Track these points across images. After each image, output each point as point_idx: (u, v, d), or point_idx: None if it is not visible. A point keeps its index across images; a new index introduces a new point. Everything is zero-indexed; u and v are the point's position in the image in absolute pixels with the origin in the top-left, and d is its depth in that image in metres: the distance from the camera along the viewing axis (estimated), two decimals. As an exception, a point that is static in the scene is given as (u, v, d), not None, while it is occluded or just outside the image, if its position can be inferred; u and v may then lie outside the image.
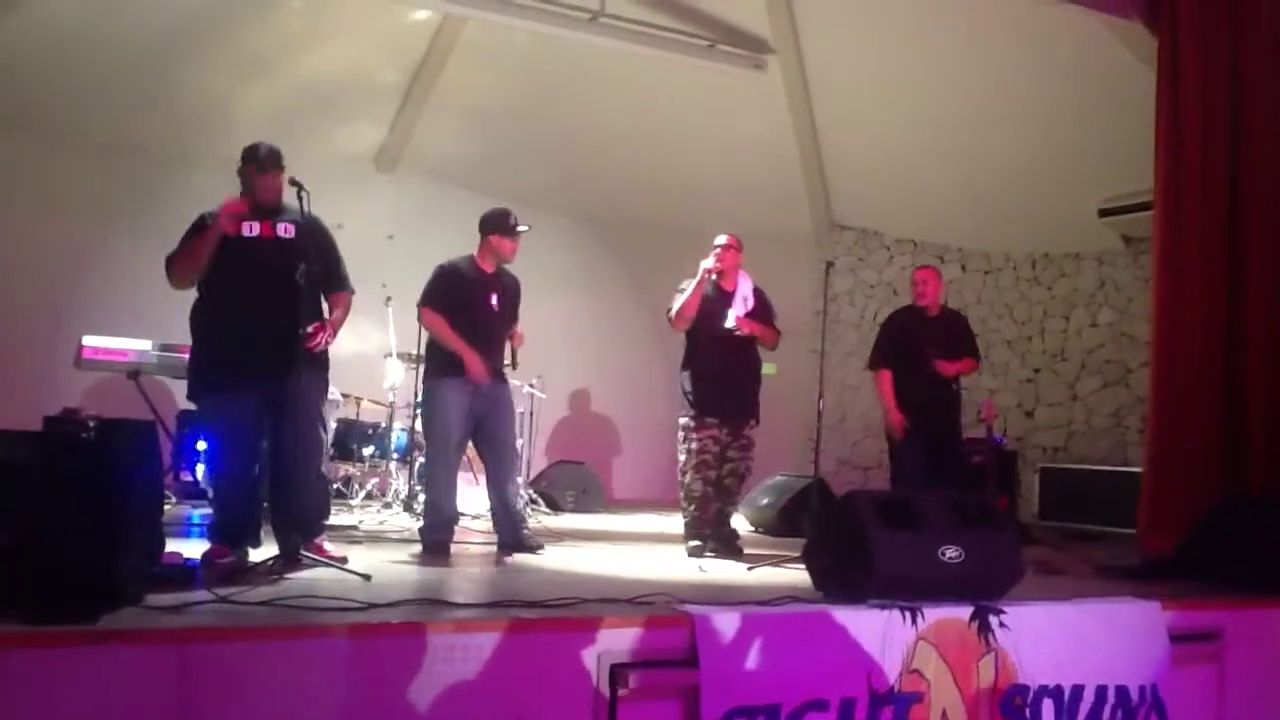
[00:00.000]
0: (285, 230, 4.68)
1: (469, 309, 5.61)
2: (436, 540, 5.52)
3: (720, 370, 6.02)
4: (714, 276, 6.12)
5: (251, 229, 4.64)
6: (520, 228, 5.80)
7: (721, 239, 6.20)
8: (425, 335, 5.85)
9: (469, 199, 9.79)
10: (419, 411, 6.05)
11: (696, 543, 5.89)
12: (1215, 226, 6.28)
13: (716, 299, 6.10)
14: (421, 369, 6.16)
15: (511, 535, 5.66)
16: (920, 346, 6.62)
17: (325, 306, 4.87)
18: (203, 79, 8.60)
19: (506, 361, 5.85)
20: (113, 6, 7.79)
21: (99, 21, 7.85)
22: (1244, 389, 6.12)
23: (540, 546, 5.69)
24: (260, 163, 4.70)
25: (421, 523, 5.81)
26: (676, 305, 6.09)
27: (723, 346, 6.05)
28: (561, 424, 10.15)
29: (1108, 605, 4.05)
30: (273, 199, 4.70)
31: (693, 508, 5.96)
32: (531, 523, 7.40)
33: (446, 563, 5.21)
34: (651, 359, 10.18)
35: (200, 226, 4.65)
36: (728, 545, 5.93)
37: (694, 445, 5.96)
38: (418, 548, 5.59)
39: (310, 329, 4.51)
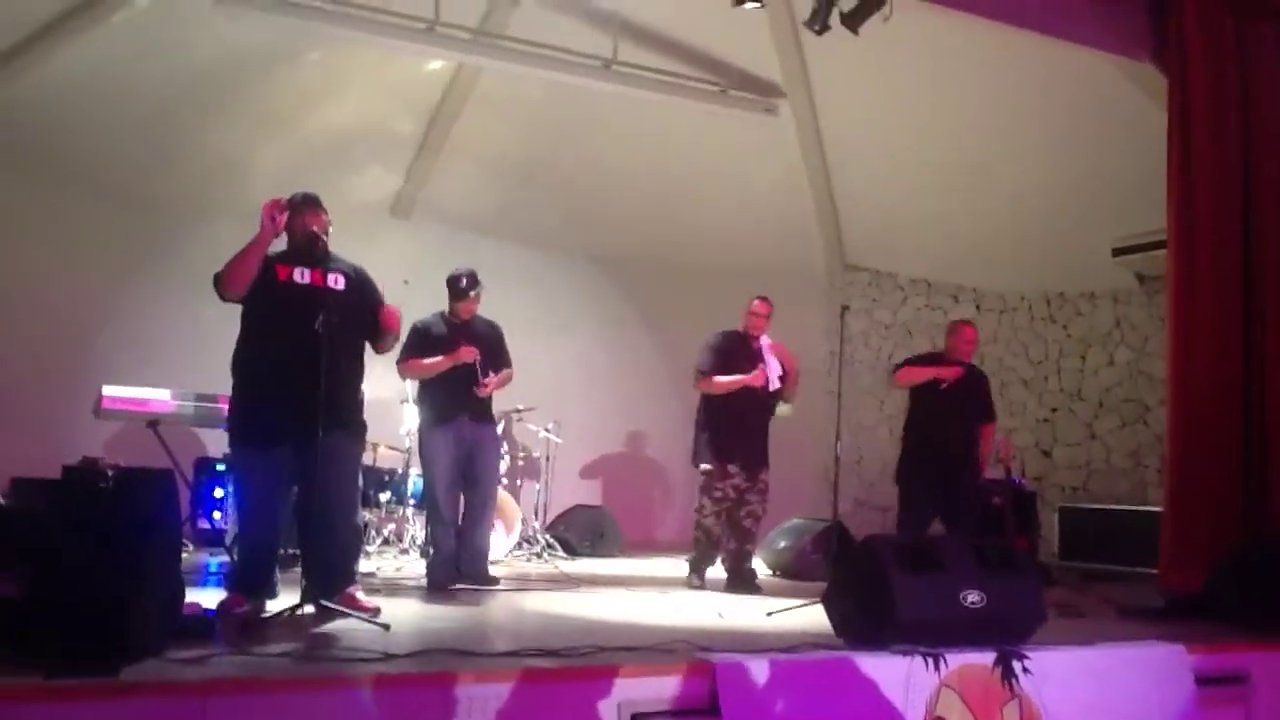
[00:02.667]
0: (335, 281, 4.69)
1: (438, 351, 6.04)
2: (436, 578, 5.93)
3: (741, 420, 6.50)
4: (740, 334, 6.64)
5: (303, 276, 4.65)
6: (472, 292, 6.23)
7: (761, 307, 6.65)
8: (415, 389, 6.27)
9: (484, 244, 9.92)
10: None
11: (697, 579, 6.51)
12: (1230, 263, 6.28)
13: (743, 354, 6.52)
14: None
15: (475, 567, 6.02)
16: (949, 400, 6.68)
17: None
18: (220, 132, 8.69)
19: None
20: (134, 60, 7.88)
21: (119, 75, 7.95)
22: (1263, 425, 6.08)
23: (496, 582, 6.04)
24: (295, 205, 4.73)
25: (427, 564, 6.19)
26: (719, 380, 6.50)
27: (746, 398, 6.48)
28: (577, 464, 10.13)
29: (1132, 649, 4.02)
30: (311, 237, 4.68)
31: (707, 548, 6.53)
32: (548, 567, 7.42)
33: (450, 599, 5.53)
34: (668, 400, 10.16)
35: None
36: (747, 584, 6.41)
37: (715, 493, 6.48)
38: (435, 595, 5.70)
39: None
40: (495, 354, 6.26)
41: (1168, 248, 6.57)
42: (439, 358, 5.99)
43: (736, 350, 6.58)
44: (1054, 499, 9.27)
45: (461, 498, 6.15)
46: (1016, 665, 3.70)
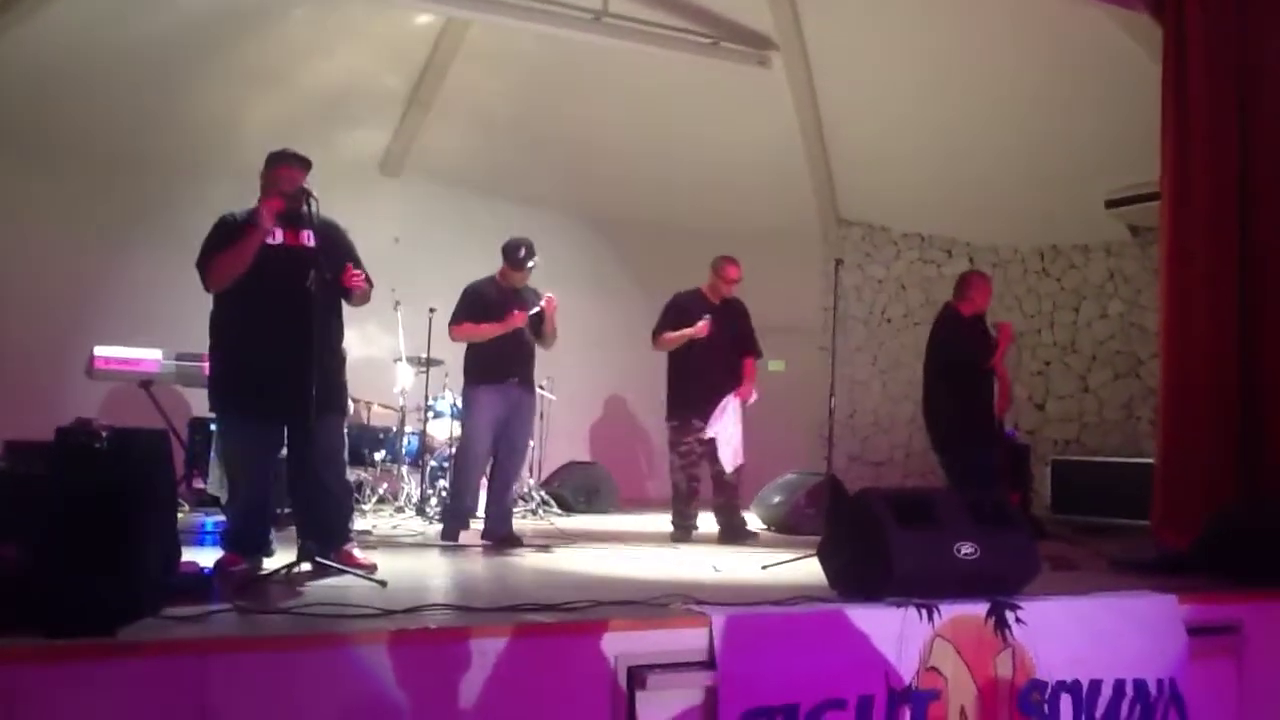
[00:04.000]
0: (307, 238, 4.60)
1: (489, 317, 6.13)
2: (451, 528, 6.12)
3: (705, 376, 6.60)
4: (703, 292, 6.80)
5: (275, 236, 4.57)
6: (530, 264, 6.28)
7: (732, 271, 6.75)
8: (464, 349, 6.33)
9: (474, 201, 9.88)
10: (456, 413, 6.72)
11: (680, 533, 6.61)
12: (1225, 215, 6.23)
13: (699, 313, 6.62)
14: (449, 379, 7.06)
15: (499, 527, 6.12)
16: (984, 357, 6.79)
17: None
18: (208, 91, 8.62)
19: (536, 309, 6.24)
20: (115, 22, 7.80)
21: (101, 37, 7.86)
22: (1259, 378, 6.07)
23: (521, 541, 6.08)
24: (274, 157, 4.69)
25: (442, 510, 6.50)
26: (667, 336, 6.68)
27: (708, 353, 6.60)
28: (572, 424, 10.14)
29: (1124, 599, 4.04)
30: (290, 189, 4.57)
31: (680, 503, 6.64)
32: (543, 524, 7.45)
33: (461, 550, 5.81)
34: (660, 358, 10.16)
35: (234, 227, 4.58)
36: (739, 534, 6.58)
37: (681, 447, 6.63)
38: (433, 552, 5.77)
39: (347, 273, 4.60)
40: (539, 320, 6.32)
41: (1161, 199, 6.54)
42: (493, 324, 6.07)
43: (692, 310, 6.66)
44: (1047, 452, 9.31)
45: (493, 459, 6.30)
46: (1009, 616, 3.72)
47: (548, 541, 6.34)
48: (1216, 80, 6.29)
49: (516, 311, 6.11)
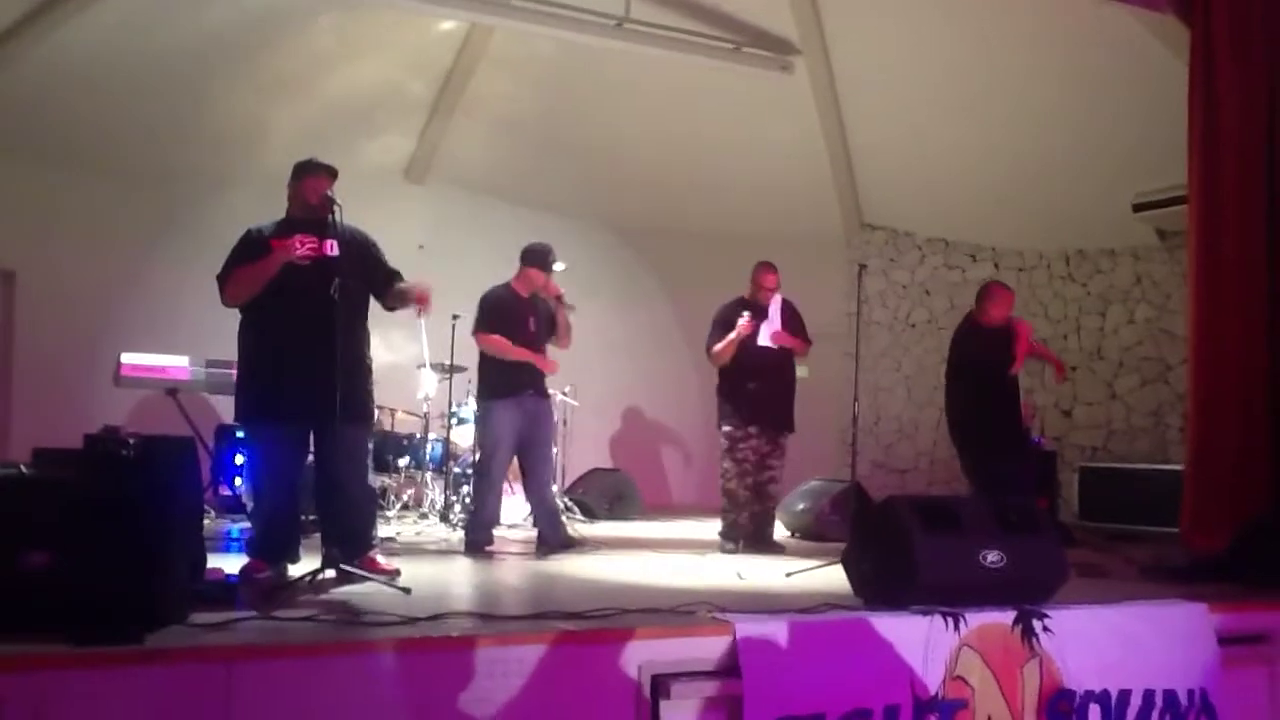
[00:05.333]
0: (331, 249, 4.60)
1: (512, 332, 6.14)
2: (475, 539, 6.08)
3: (759, 383, 6.51)
4: (746, 300, 6.66)
5: (300, 247, 4.58)
6: (557, 266, 6.30)
7: (769, 279, 6.63)
8: (478, 356, 6.31)
9: (499, 207, 9.90)
10: (475, 424, 6.64)
11: (730, 544, 6.45)
12: (1254, 218, 6.18)
13: (752, 316, 6.51)
14: (473, 385, 6.72)
15: (554, 533, 6.18)
16: (1005, 366, 6.74)
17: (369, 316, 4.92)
18: (233, 101, 8.68)
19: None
20: (143, 31, 7.85)
21: (128, 49, 7.92)
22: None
23: (581, 542, 6.20)
24: (300, 168, 4.74)
25: (467, 522, 6.36)
26: (716, 348, 6.57)
27: (760, 360, 6.50)
28: (596, 431, 10.15)
29: (1154, 608, 4.00)
30: (316, 200, 4.62)
31: (734, 513, 6.52)
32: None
33: (485, 559, 5.81)
34: (685, 365, 10.16)
35: (258, 243, 4.63)
36: (769, 545, 6.53)
37: (738, 455, 6.52)
38: (457, 558, 5.78)
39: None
40: (553, 326, 6.36)
41: (1189, 203, 6.49)
42: (521, 351, 6.09)
43: (740, 317, 6.54)
44: (1074, 459, 9.24)
45: (522, 471, 6.34)
46: (1037, 624, 3.69)
47: (594, 547, 6.30)
48: (1245, 81, 6.24)
49: (549, 360, 6.26)
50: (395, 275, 4.92)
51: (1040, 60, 8.26)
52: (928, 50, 8.67)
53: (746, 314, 6.47)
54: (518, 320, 6.17)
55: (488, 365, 6.23)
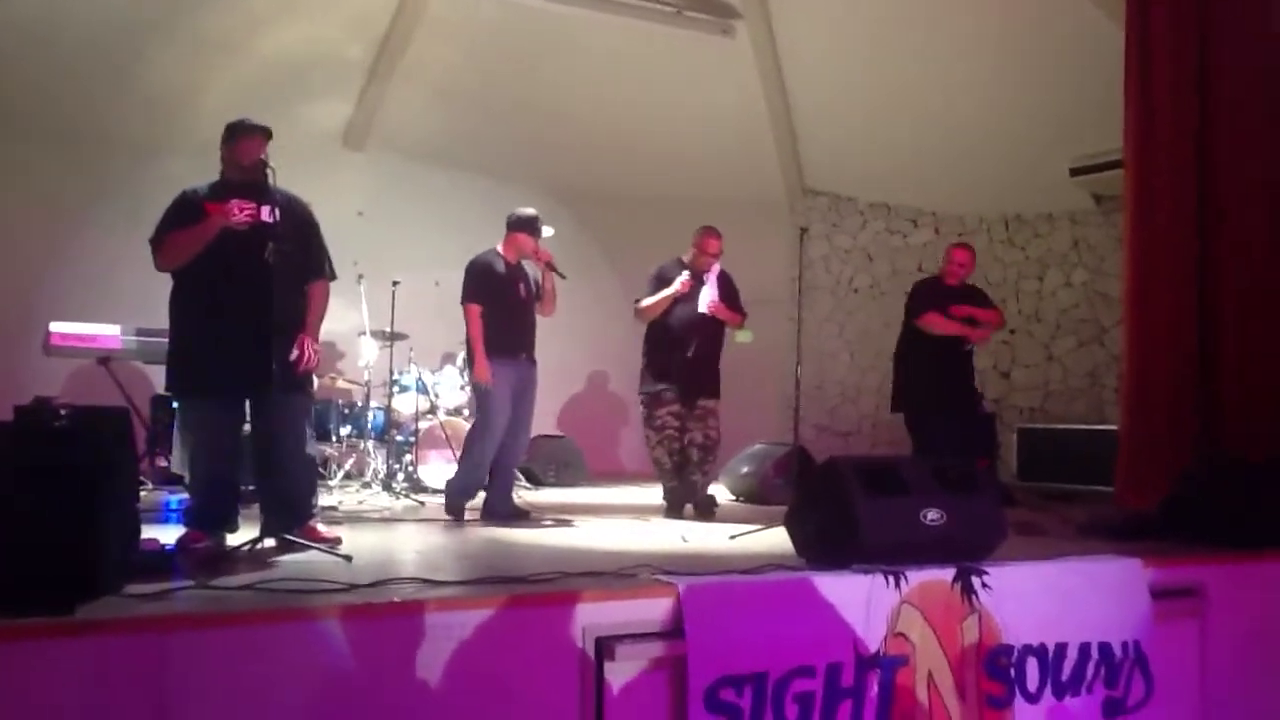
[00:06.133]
0: (270, 214, 4.50)
1: (503, 298, 6.08)
2: (457, 502, 6.08)
3: (678, 348, 6.43)
4: (685, 264, 6.54)
5: (235, 213, 4.46)
6: (546, 231, 6.29)
7: (712, 244, 6.54)
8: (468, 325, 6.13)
9: (438, 174, 9.80)
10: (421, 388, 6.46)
11: (674, 511, 6.40)
12: (1186, 183, 6.27)
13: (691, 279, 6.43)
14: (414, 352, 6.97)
15: (504, 504, 6.15)
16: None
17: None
18: (167, 63, 8.48)
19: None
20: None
21: (60, 10, 7.71)
22: (1218, 345, 6.13)
23: (527, 514, 6.17)
24: (232, 128, 4.63)
25: (449, 485, 6.24)
26: (646, 303, 6.49)
27: (688, 325, 6.43)
28: (540, 398, 10.05)
29: (1089, 563, 4.07)
30: (250, 162, 4.52)
31: (668, 479, 6.47)
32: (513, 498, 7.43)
33: (435, 525, 5.76)
34: (627, 331, 10.07)
35: (193, 206, 4.51)
36: (703, 510, 6.38)
37: (656, 422, 6.46)
38: (400, 526, 5.73)
39: (294, 355, 4.47)
40: (540, 292, 6.33)
41: (1124, 167, 6.57)
42: (481, 351, 5.97)
43: (675, 278, 6.48)
44: (1012, 420, 9.37)
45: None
46: (976, 581, 3.74)
47: (539, 518, 6.19)
48: (1178, 46, 6.31)
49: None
50: (321, 272, 4.79)
51: (979, 26, 8.31)
52: (868, 16, 8.69)
53: (686, 274, 6.40)
54: (506, 287, 6.10)
55: (485, 326, 6.04)
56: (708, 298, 6.42)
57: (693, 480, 6.45)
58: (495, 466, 6.15)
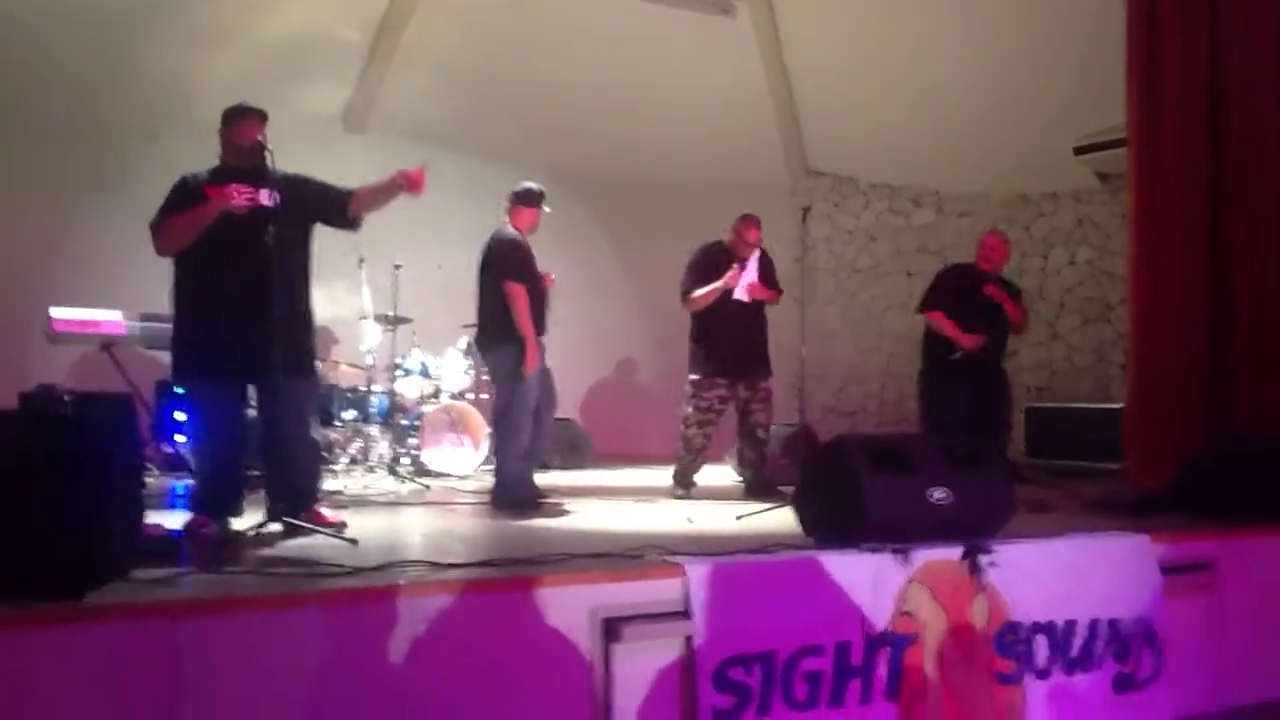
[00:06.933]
0: (269, 197, 4.50)
1: (534, 278, 5.93)
2: (522, 494, 5.77)
3: (730, 333, 6.44)
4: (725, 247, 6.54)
5: (235, 197, 4.46)
6: (546, 208, 6.16)
7: (752, 234, 6.53)
8: (488, 299, 5.91)
9: (439, 156, 9.68)
10: (495, 377, 6.09)
11: (681, 489, 6.44)
12: (1194, 160, 6.24)
13: (725, 267, 6.43)
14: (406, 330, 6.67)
15: (531, 489, 5.92)
16: (980, 310, 6.96)
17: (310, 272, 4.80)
18: (165, 49, 8.44)
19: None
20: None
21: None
22: (1229, 322, 6.11)
23: (545, 497, 5.96)
24: (230, 113, 4.62)
25: (504, 479, 5.85)
26: (698, 293, 6.43)
27: (732, 310, 6.42)
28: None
29: (1098, 540, 4.06)
30: (249, 145, 4.50)
31: (690, 458, 6.48)
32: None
33: (427, 513, 5.56)
34: (631, 313, 10.13)
35: (193, 191, 4.50)
36: (768, 490, 6.24)
37: (701, 403, 6.46)
38: (405, 510, 5.72)
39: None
40: None
41: (1129, 145, 6.54)
42: (531, 333, 5.74)
43: (718, 263, 6.47)
44: (1019, 399, 9.34)
45: None
46: (983, 559, 3.73)
47: (556, 503, 6.00)
48: (1186, 23, 6.27)
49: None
50: (348, 192, 4.77)
51: (981, 4, 8.26)
52: (870, -5, 8.64)
53: (736, 265, 6.39)
54: (534, 264, 5.96)
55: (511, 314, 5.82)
56: (744, 282, 6.44)
57: (763, 456, 6.57)
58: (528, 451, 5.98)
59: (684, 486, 6.49)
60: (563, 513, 5.54)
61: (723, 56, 9.49)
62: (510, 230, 6.02)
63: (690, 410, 6.51)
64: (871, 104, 9.62)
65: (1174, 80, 6.26)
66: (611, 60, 9.44)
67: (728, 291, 6.39)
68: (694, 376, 6.51)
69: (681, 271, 6.60)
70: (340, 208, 4.76)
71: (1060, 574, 3.87)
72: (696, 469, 6.55)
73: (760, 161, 10.33)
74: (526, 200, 6.10)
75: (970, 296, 6.95)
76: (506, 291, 5.76)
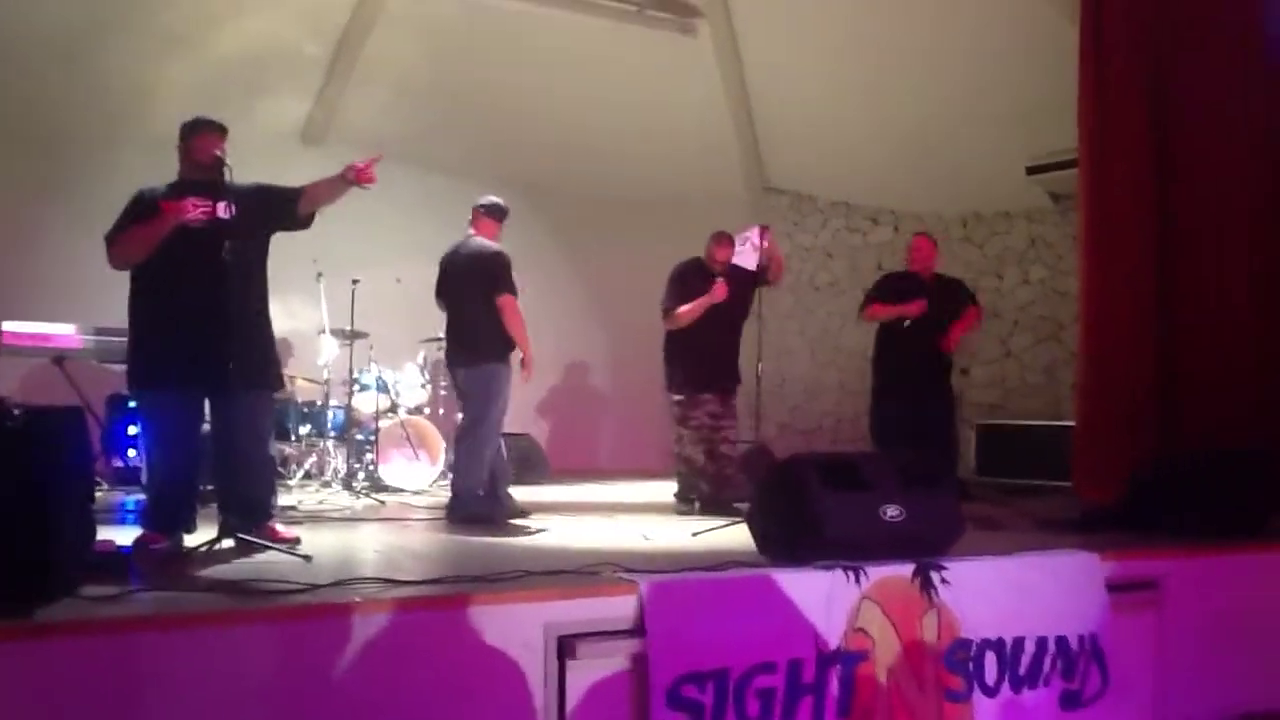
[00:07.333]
0: (225, 211, 4.49)
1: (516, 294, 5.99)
2: (483, 509, 5.79)
3: (708, 345, 6.43)
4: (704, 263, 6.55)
5: (194, 208, 4.45)
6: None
7: (720, 253, 6.55)
8: (482, 316, 5.92)
9: (397, 171, 9.63)
10: (469, 393, 6.07)
11: (686, 505, 6.45)
12: (1142, 180, 6.34)
13: (705, 284, 6.40)
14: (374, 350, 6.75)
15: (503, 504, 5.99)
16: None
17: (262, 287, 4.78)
18: (123, 59, 8.37)
19: None
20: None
21: (13, 5, 7.60)
22: (1175, 340, 6.22)
23: (526, 513, 6.03)
24: (188, 126, 4.61)
25: (462, 492, 5.88)
26: (683, 310, 6.40)
27: (710, 324, 6.40)
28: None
29: (1047, 557, 4.11)
30: (208, 162, 4.49)
31: (693, 476, 6.45)
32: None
33: (384, 530, 5.51)
34: (590, 328, 10.15)
35: (148, 205, 4.47)
36: (726, 508, 6.09)
37: (692, 423, 6.44)
38: (360, 526, 5.69)
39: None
40: None
41: (1079, 166, 6.64)
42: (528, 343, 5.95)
43: (698, 280, 6.46)
44: (971, 416, 9.45)
45: None
46: (935, 576, 3.77)
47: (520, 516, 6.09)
48: (1133, 45, 6.39)
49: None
50: (298, 190, 4.75)
51: (936, 25, 8.37)
52: (828, 17, 8.72)
53: (721, 280, 6.37)
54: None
55: (500, 326, 5.90)
56: (753, 260, 6.50)
57: (727, 475, 6.49)
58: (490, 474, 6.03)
59: (687, 502, 6.47)
60: (517, 529, 5.54)
61: (683, 74, 9.55)
62: (493, 243, 6.07)
63: (684, 431, 6.48)
64: (830, 123, 9.72)
65: (1119, 100, 6.38)
66: (571, 76, 9.47)
67: (712, 307, 6.37)
68: (678, 397, 6.50)
69: (649, 287, 6.63)
70: (290, 206, 4.74)
71: (1010, 591, 3.91)
72: (700, 482, 6.47)
73: (719, 178, 10.40)
74: (495, 214, 6.17)
75: (908, 299, 7.04)
76: (505, 306, 5.85)
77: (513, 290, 5.91)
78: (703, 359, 6.43)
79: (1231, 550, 4.59)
